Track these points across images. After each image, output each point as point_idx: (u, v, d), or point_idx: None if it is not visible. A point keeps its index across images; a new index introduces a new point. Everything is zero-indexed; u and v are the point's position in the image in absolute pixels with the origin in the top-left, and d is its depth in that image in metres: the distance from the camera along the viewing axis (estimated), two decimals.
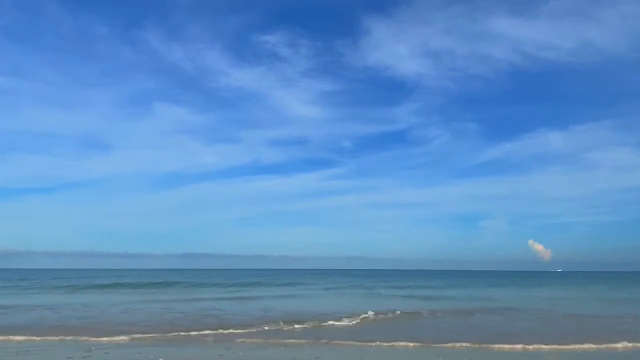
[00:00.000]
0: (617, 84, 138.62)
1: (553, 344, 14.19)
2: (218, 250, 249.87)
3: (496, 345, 13.90)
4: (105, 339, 14.65)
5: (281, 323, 17.92)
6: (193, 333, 15.87)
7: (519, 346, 13.80)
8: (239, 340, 14.75)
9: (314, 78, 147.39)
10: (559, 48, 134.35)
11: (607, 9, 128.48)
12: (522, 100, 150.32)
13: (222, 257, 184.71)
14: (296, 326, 17.57)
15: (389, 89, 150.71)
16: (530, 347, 13.78)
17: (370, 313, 21.00)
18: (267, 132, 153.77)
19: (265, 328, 17.16)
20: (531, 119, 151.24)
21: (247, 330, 16.49)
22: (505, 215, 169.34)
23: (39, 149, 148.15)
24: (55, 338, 14.68)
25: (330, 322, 18.77)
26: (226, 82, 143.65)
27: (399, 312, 22.45)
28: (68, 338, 14.68)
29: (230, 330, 16.36)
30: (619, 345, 14.26)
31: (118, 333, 15.29)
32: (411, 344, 14.07)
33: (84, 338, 14.71)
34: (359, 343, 14.27)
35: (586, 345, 14.07)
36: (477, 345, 13.87)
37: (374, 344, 14.15)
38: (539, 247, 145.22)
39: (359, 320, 19.65)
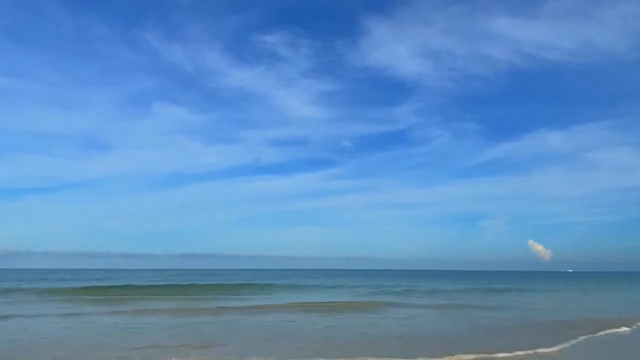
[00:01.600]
0: (617, 84, 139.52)
1: None
2: (218, 250, 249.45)
3: None
4: None
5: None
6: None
7: None
8: None
9: (314, 78, 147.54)
10: (559, 48, 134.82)
11: (607, 9, 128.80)
12: (522, 100, 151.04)
13: (223, 257, 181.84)
14: None
15: (388, 89, 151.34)
16: None
17: None
18: (267, 132, 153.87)
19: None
20: (531, 119, 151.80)
21: None
22: (505, 215, 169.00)
23: (39, 149, 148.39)
24: None
25: None
26: (226, 82, 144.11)
27: None
28: None
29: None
30: None
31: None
32: None
33: None
34: None
35: None
36: None
37: None
38: (539, 247, 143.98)
39: None
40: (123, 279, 53.77)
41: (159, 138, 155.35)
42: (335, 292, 39.36)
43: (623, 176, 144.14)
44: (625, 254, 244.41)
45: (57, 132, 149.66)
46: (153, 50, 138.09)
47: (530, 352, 11.14)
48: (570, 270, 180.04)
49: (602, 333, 14.63)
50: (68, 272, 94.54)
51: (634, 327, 16.42)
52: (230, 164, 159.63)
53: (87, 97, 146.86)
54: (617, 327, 15.95)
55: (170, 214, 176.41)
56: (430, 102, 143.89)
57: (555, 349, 11.57)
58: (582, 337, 13.30)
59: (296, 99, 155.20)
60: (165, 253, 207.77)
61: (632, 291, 46.03)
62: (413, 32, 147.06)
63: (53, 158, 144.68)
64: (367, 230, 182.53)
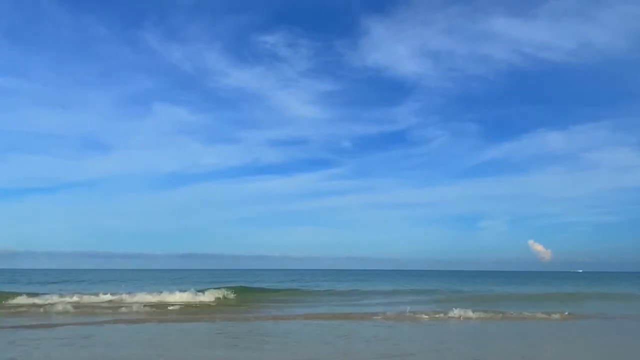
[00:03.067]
0: (617, 84, 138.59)
1: None
2: (218, 250, 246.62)
3: None
4: None
5: None
6: None
7: None
8: None
9: (314, 78, 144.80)
10: (558, 48, 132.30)
11: (607, 9, 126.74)
12: (522, 101, 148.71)
13: (223, 257, 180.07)
14: None
15: (388, 89, 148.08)
16: None
17: None
18: (266, 133, 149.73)
19: None
20: (531, 119, 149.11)
21: None
22: (505, 216, 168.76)
23: (39, 149, 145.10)
24: None
25: None
26: (226, 82, 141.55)
27: None
28: None
29: None
30: None
31: None
32: None
33: None
34: None
35: None
36: None
37: None
38: (539, 247, 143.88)
39: None
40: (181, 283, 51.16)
41: (159, 138, 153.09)
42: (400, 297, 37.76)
43: (623, 176, 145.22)
44: (625, 254, 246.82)
45: (56, 132, 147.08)
46: (152, 51, 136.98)
47: None
48: (580, 271, 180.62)
49: None
50: (76, 272, 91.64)
51: None
52: (230, 164, 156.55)
53: (87, 98, 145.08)
54: None
55: (170, 214, 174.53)
56: (430, 102, 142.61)
57: None
58: None
59: (296, 99, 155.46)
60: (165, 253, 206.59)
61: None
62: (412, 32, 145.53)
63: (53, 158, 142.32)
64: (367, 230, 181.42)
